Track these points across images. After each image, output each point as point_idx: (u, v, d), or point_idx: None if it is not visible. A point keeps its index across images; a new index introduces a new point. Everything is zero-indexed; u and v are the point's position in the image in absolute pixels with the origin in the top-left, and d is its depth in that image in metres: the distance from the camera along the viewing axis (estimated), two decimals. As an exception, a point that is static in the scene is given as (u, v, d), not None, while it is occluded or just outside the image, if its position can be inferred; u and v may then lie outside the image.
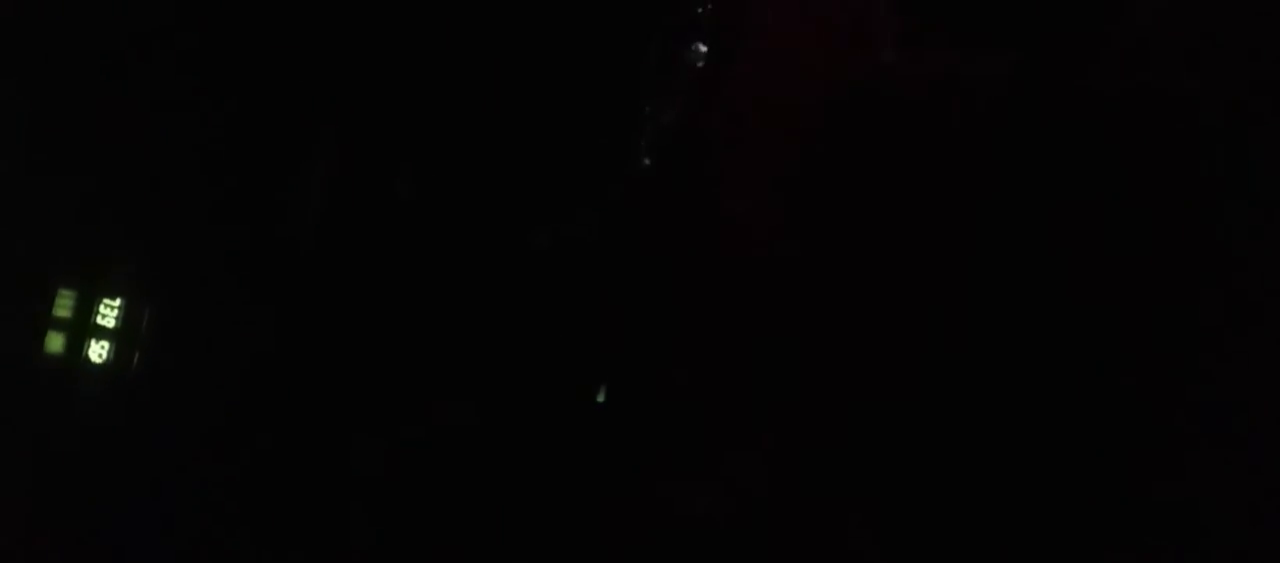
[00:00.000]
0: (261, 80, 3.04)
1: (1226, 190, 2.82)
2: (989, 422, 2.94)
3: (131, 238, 3.00)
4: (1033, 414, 2.91)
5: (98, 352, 2.95)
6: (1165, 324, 2.84)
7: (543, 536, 3.07)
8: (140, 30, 2.97)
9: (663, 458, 3.09)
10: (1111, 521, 2.84)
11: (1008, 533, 2.90)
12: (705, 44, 2.86)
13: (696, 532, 3.02)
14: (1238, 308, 2.79)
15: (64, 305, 2.94)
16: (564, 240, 3.14)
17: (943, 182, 3.03)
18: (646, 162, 3.13)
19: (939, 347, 3.00)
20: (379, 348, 3.14)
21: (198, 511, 2.98)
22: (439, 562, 3.10)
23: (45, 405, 2.89)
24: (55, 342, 2.93)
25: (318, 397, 3.10)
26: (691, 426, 3.11)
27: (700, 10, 2.86)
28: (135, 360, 2.98)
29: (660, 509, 3.04)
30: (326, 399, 3.11)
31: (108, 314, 2.96)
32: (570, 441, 3.15)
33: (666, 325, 3.17)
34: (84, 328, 2.95)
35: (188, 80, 3.01)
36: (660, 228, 3.18)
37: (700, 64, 2.89)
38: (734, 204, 3.15)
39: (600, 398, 3.20)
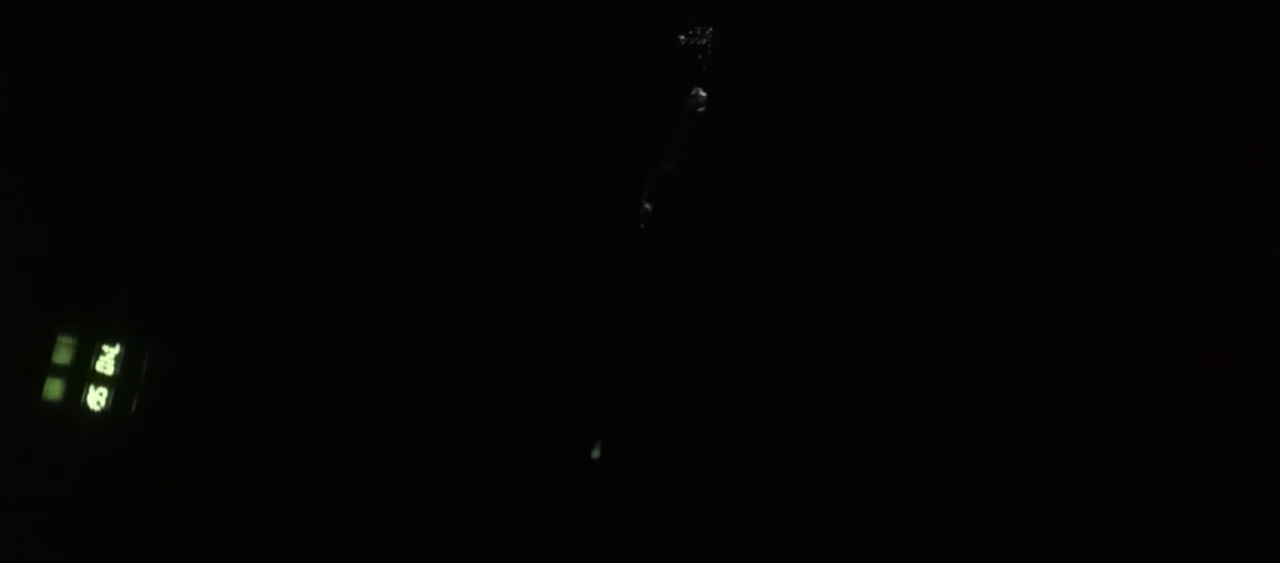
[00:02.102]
0: (262, 136, 3.06)
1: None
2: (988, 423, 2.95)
3: (130, 286, 2.99)
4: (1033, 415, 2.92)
5: (96, 399, 2.94)
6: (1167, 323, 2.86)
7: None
8: (142, 88, 2.99)
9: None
10: (1109, 520, 2.83)
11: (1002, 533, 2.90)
12: (705, 91, 2.84)
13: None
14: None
15: (63, 353, 2.94)
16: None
17: (944, 213, 3.02)
18: (648, 206, 3.12)
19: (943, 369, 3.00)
20: (373, 392, 3.13)
21: (196, 553, 2.98)
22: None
23: (44, 452, 2.88)
24: (54, 388, 2.93)
25: (313, 443, 3.09)
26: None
27: (700, 58, 2.85)
28: (134, 407, 2.98)
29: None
30: (322, 445, 3.10)
31: (106, 361, 2.96)
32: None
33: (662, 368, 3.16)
34: (83, 375, 2.94)
35: (187, 135, 3.03)
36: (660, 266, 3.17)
37: (700, 110, 2.88)
38: (733, 243, 3.13)
39: (595, 454, 3.20)
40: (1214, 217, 2.84)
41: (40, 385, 2.88)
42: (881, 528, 3.00)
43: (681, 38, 2.84)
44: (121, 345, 2.98)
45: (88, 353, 2.95)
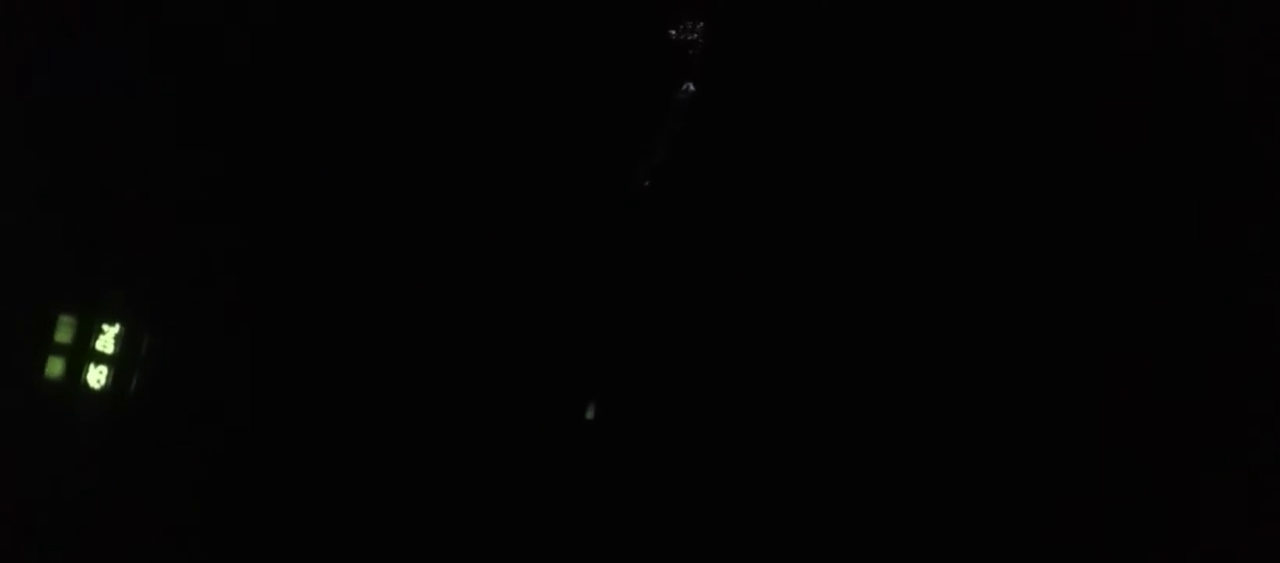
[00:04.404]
0: (263, 114, 3.10)
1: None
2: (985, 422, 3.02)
3: (131, 265, 3.04)
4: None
5: (97, 377, 3.00)
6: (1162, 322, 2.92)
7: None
8: (142, 65, 3.02)
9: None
10: (1108, 521, 2.91)
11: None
12: (694, 85, 2.90)
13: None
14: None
15: (64, 331, 2.99)
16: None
17: (934, 194, 3.08)
18: (641, 188, 3.16)
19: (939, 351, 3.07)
20: (373, 371, 3.18)
21: (195, 533, 3.04)
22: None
23: (45, 430, 2.94)
24: (55, 367, 2.98)
25: (313, 419, 3.15)
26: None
27: (691, 53, 2.90)
28: (134, 386, 3.03)
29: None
30: (322, 422, 3.15)
31: (107, 340, 3.01)
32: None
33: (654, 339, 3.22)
34: (83, 354, 3.00)
35: (189, 112, 3.06)
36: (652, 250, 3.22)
37: (690, 103, 2.93)
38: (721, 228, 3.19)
39: (589, 414, 3.25)
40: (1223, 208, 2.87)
41: (42, 364, 2.95)
42: (876, 494, 3.05)
43: (672, 32, 2.89)
44: (121, 324, 3.02)
45: (88, 332, 3.00)
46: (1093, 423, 2.89)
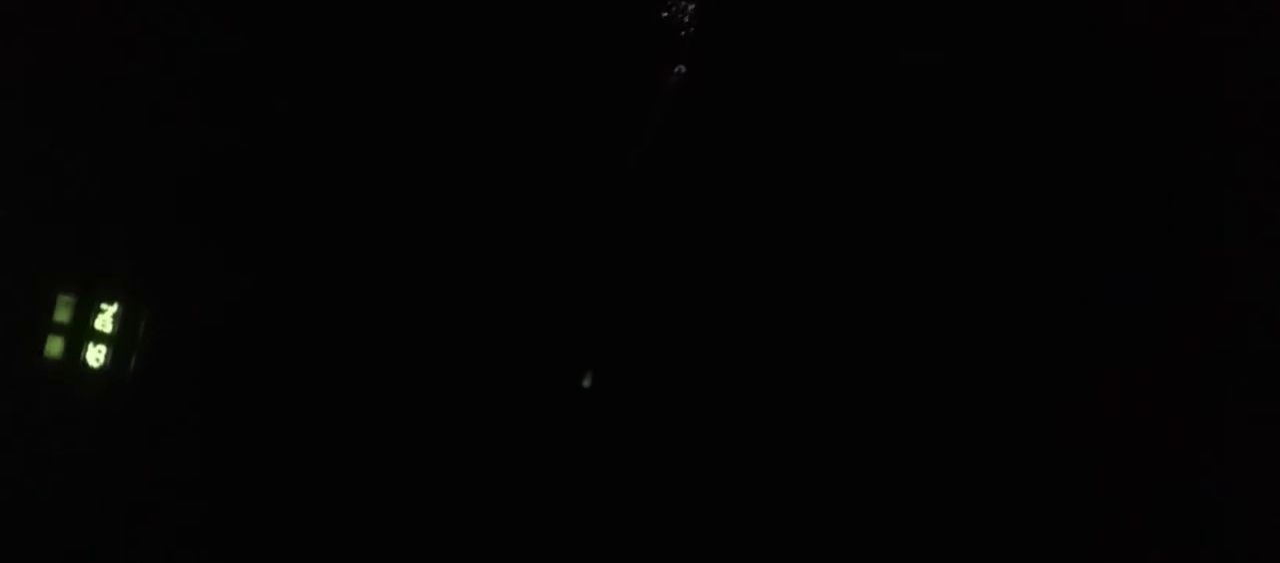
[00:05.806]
0: (259, 91, 3.09)
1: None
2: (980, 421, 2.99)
3: (129, 244, 3.07)
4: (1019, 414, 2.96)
5: (95, 356, 3.05)
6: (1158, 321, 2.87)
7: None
8: (140, 41, 3.02)
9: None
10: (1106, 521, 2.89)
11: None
12: (685, 66, 2.87)
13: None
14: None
15: (63, 311, 3.03)
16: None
17: (919, 184, 3.04)
18: (631, 169, 3.14)
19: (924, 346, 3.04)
20: (374, 349, 3.20)
21: (195, 512, 3.08)
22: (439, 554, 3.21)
23: (44, 409, 2.99)
24: (54, 346, 3.03)
25: (313, 399, 3.17)
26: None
27: (682, 34, 2.87)
28: (132, 365, 3.07)
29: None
30: (322, 401, 3.18)
31: (105, 319, 3.05)
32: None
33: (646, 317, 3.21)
34: (82, 333, 3.04)
35: (186, 90, 3.07)
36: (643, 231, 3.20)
37: (681, 84, 2.90)
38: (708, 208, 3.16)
39: (586, 383, 3.24)
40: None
41: (41, 343, 3.00)
42: (875, 455, 3.05)
43: (664, 13, 2.85)
44: (119, 304, 3.06)
45: (87, 311, 3.04)
46: (1091, 423, 2.87)
